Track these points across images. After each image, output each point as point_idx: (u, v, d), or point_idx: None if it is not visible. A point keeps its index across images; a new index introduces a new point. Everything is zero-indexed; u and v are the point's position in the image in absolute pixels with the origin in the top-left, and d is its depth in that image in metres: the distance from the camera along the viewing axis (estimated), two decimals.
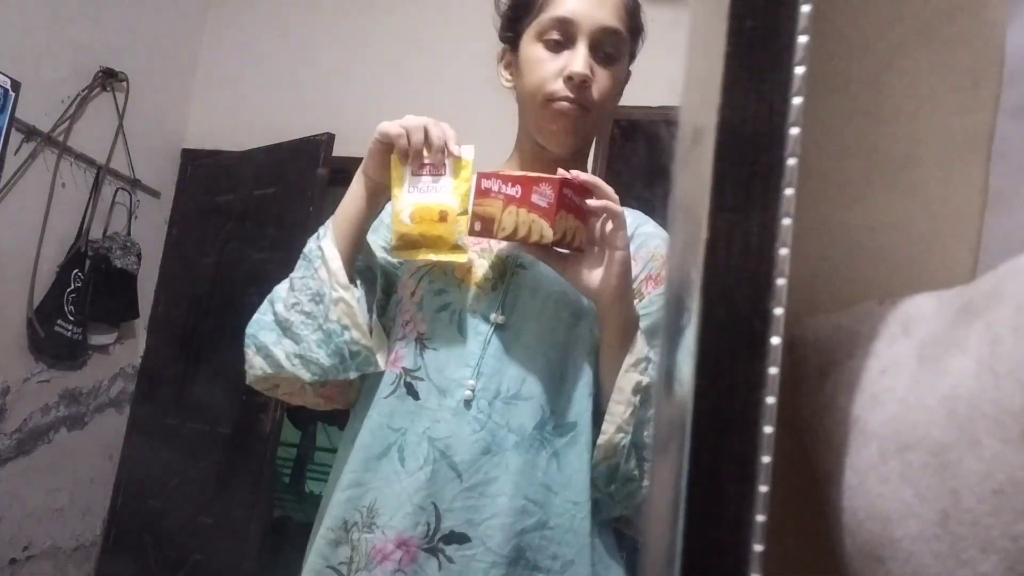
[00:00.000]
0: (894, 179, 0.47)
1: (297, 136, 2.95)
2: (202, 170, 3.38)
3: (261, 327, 0.99)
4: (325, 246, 0.97)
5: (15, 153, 2.68)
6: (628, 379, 0.91)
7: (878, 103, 0.47)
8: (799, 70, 0.37)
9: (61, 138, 2.84)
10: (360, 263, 1.02)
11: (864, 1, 0.47)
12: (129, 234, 3.11)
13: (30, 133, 2.72)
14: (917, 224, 0.46)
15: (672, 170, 0.45)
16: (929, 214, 0.46)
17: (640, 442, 0.91)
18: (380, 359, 0.97)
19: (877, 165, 0.47)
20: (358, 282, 0.99)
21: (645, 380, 0.91)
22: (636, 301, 0.97)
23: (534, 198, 0.87)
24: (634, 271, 0.98)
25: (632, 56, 1.03)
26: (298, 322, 0.96)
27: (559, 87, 0.95)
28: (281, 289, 1.00)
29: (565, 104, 0.95)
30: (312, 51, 3.28)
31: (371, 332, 0.97)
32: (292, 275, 1.00)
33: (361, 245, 1.00)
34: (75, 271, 2.89)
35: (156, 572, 2.94)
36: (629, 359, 0.91)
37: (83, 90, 2.91)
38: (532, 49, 0.99)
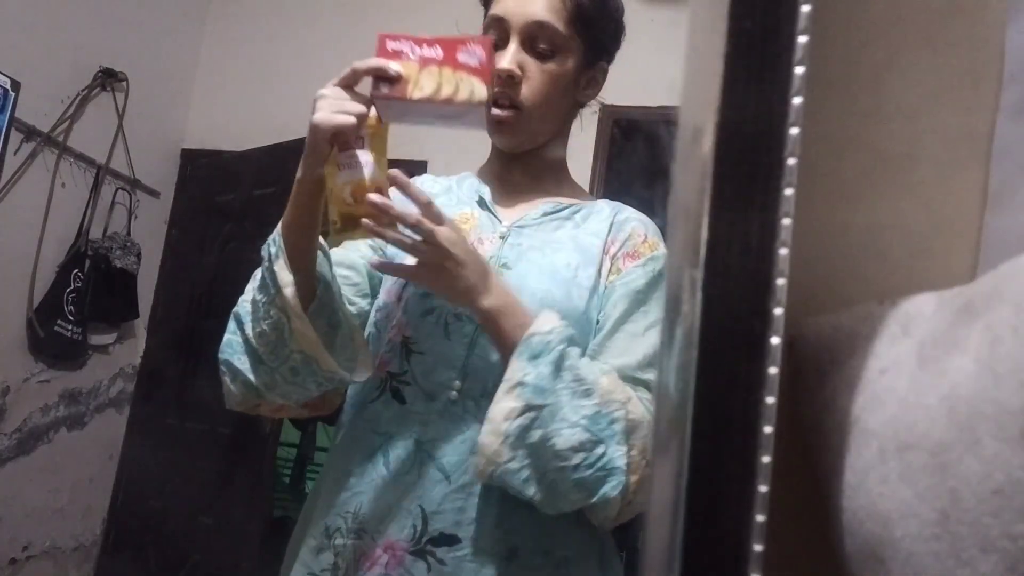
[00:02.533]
0: (894, 179, 0.47)
1: (297, 136, 2.92)
2: (202, 170, 3.37)
3: (234, 351, 0.93)
4: (278, 270, 0.87)
5: (15, 153, 2.68)
6: (500, 408, 0.84)
7: (878, 103, 0.47)
8: (799, 70, 0.37)
9: (61, 138, 2.84)
10: (342, 266, 0.99)
11: (864, 1, 0.47)
12: (129, 234, 3.10)
13: (30, 133, 2.72)
14: (917, 224, 0.46)
15: (672, 170, 0.45)
16: (929, 214, 0.46)
17: (532, 465, 0.83)
18: (361, 371, 0.94)
19: (877, 165, 0.47)
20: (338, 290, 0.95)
21: (519, 406, 0.83)
22: (614, 276, 0.97)
23: (461, 57, 0.82)
24: (612, 250, 0.99)
25: (592, 50, 1.01)
26: (267, 353, 0.90)
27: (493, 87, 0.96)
28: (247, 307, 0.93)
29: (498, 111, 0.96)
30: (312, 51, 3.27)
31: (349, 344, 0.94)
32: (255, 294, 0.92)
33: (315, 251, 0.92)
34: (75, 271, 2.89)
35: (156, 572, 2.94)
36: (503, 386, 0.85)
37: (83, 90, 2.91)
38: None
